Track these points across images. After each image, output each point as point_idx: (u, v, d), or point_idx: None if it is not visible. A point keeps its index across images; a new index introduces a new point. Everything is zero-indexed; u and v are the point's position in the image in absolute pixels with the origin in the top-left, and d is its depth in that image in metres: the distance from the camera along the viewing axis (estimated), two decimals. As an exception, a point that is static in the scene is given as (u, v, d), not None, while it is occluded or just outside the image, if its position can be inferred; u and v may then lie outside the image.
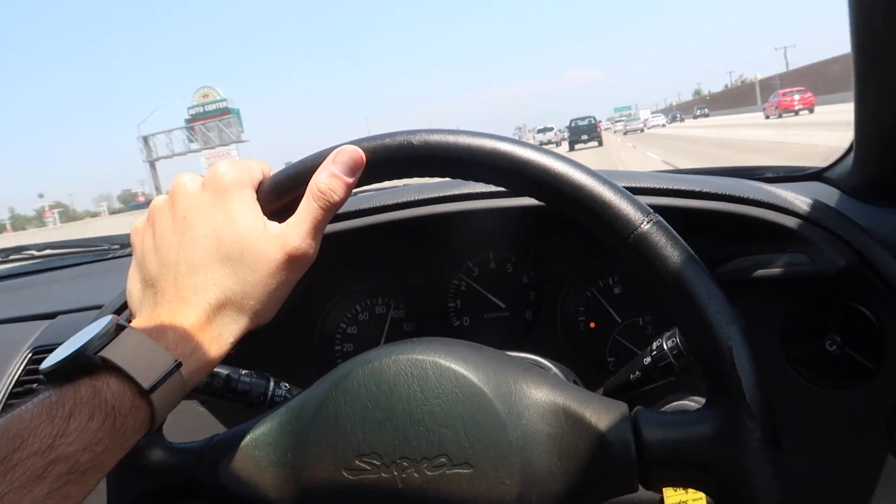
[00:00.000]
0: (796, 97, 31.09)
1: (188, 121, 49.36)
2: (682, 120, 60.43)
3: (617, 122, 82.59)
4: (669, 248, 0.45)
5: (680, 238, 0.46)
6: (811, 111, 30.00)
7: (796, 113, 30.07)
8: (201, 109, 48.81)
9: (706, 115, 60.13)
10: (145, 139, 50.36)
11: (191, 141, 49.56)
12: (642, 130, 51.62)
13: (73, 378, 0.41)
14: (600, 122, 34.48)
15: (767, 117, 31.54)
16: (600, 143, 30.00)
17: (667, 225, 0.46)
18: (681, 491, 0.74)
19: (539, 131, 47.79)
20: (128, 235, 1.47)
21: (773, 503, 0.43)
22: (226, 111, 48.69)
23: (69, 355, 0.42)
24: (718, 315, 0.44)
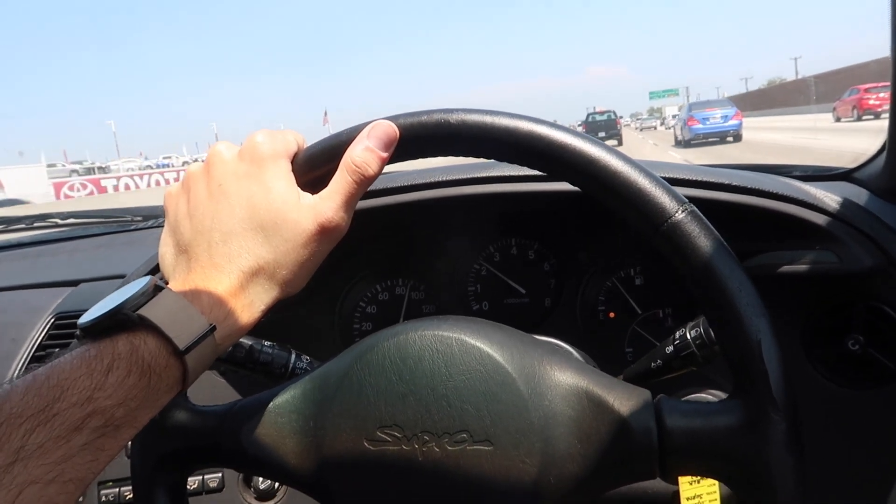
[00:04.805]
0: (882, 95, 21.42)
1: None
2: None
3: (638, 118, 79.33)
4: (702, 238, 0.45)
5: (713, 229, 0.46)
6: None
7: (877, 116, 21.82)
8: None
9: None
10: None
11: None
12: (655, 128, 51.34)
13: (111, 334, 0.42)
14: (621, 117, 33.76)
15: (838, 119, 24.12)
16: (620, 142, 28.65)
17: (701, 215, 0.46)
18: (696, 484, 0.74)
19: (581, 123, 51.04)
20: (150, 208, 1.49)
21: (792, 498, 0.43)
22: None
23: (108, 311, 0.42)
24: (748, 307, 0.44)
